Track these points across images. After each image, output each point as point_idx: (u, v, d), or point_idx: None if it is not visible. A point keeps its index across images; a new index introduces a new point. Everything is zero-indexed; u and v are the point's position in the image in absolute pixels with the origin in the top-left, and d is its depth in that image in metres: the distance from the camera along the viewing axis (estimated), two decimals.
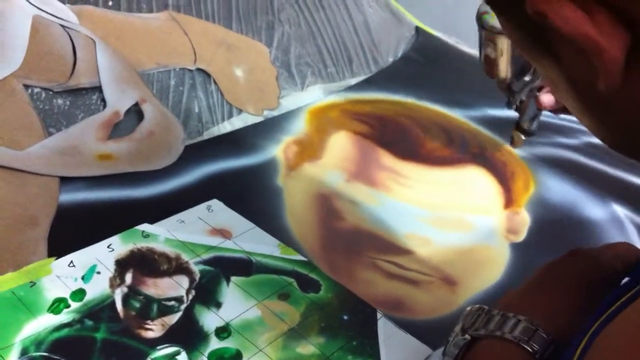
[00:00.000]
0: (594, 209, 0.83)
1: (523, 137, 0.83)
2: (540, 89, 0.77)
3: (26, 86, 0.80)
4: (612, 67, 0.35)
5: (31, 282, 0.60)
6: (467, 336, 0.50)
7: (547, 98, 0.76)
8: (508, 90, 0.78)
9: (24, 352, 0.54)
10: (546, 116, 0.98)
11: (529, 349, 0.47)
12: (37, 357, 0.54)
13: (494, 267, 0.72)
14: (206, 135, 0.87)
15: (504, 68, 0.74)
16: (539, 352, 0.47)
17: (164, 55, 0.93)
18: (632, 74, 0.36)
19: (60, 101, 0.81)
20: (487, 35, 0.73)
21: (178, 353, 0.56)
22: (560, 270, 0.54)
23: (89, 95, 0.84)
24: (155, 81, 0.90)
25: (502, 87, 0.78)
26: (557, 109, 0.78)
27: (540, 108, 0.77)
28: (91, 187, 0.73)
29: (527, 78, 0.76)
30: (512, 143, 0.85)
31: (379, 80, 1.07)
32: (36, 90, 0.80)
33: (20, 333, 0.55)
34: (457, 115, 0.99)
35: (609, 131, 0.44)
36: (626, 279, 0.55)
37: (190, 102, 0.90)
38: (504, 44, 0.73)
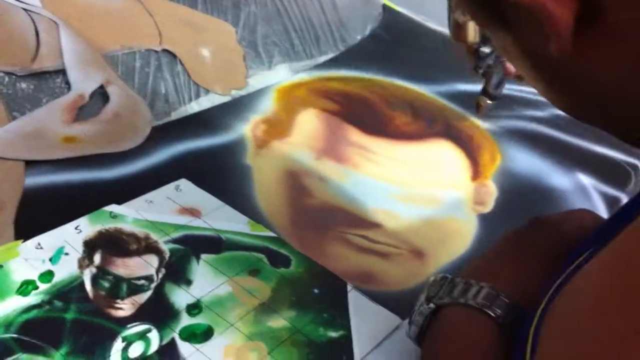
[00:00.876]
0: (560, 178, 0.85)
1: (489, 102, 0.83)
2: None
3: None
4: (562, 31, 0.36)
5: None
6: (431, 305, 0.51)
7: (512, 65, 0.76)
8: (475, 55, 0.78)
9: None
10: (510, 89, 1.00)
11: (491, 314, 0.49)
12: (6, 338, 0.53)
13: (462, 238, 0.73)
14: (174, 116, 0.87)
15: (472, 32, 0.74)
16: (502, 316, 0.48)
17: (129, 37, 0.92)
18: (582, 40, 0.37)
19: (24, 85, 0.81)
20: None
21: (149, 331, 0.56)
22: (522, 238, 0.55)
23: (53, 79, 0.83)
24: (121, 63, 0.89)
25: (469, 52, 0.79)
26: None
27: (506, 73, 0.78)
28: (57, 170, 0.72)
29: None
30: (478, 108, 0.85)
31: (347, 58, 1.07)
32: None
33: None
34: (424, 90, 0.99)
35: (564, 98, 0.45)
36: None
37: (156, 84, 0.90)
38: None
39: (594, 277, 0.36)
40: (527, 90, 1.00)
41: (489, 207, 0.78)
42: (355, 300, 0.62)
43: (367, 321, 0.60)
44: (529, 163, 0.87)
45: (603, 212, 0.80)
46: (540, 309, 0.43)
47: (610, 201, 0.82)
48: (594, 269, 0.36)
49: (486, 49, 0.75)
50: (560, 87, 0.43)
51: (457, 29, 0.75)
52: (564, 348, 0.35)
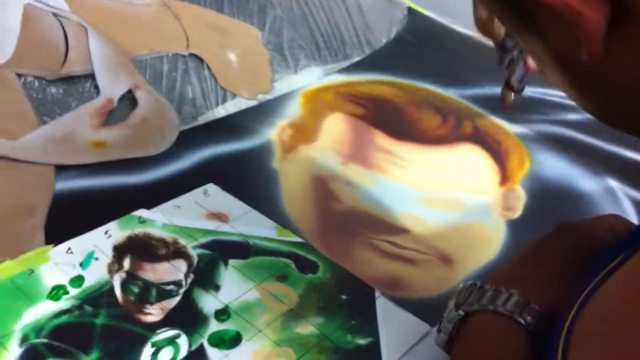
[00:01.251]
0: (589, 183, 0.84)
1: (512, 95, 0.82)
2: None
3: (19, 75, 0.80)
4: (593, 35, 0.36)
5: (30, 269, 0.60)
6: (460, 312, 0.51)
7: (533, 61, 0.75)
8: (500, 48, 0.78)
9: (24, 339, 0.54)
10: (538, 92, 0.99)
11: (521, 321, 0.48)
12: (37, 344, 0.54)
13: (491, 244, 0.73)
14: (200, 121, 0.87)
15: (496, 26, 0.74)
16: (531, 324, 0.48)
17: (156, 42, 0.93)
18: (613, 43, 0.37)
19: (53, 90, 0.81)
20: None
21: (178, 336, 0.56)
22: (551, 243, 0.55)
23: (81, 83, 0.84)
24: (148, 67, 0.90)
25: (496, 43, 0.78)
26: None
27: (526, 69, 0.77)
28: (86, 175, 0.73)
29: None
30: (502, 101, 0.84)
31: (372, 61, 1.07)
32: (29, 79, 0.80)
33: (20, 320, 0.55)
34: (451, 94, 0.99)
35: (595, 103, 0.44)
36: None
37: (183, 88, 0.90)
38: None
39: (627, 282, 0.35)
40: (555, 94, 0.99)
41: (517, 212, 0.77)
42: (383, 307, 0.62)
43: (395, 328, 0.60)
44: (558, 168, 0.86)
45: (633, 217, 0.79)
46: (571, 314, 0.43)
47: (639, 205, 0.81)
48: (627, 274, 0.35)
49: (511, 43, 0.75)
50: (589, 90, 0.43)
51: (481, 22, 0.74)
52: (597, 353, 0.35)
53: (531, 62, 0.76)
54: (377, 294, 0.63)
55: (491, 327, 0.50)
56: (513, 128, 0.91)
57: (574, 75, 0.42)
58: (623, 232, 0.58)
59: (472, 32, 1.19)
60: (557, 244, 0.55)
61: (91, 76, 0.84)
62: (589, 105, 0.45)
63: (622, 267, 0.36)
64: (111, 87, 0.84)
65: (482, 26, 0.76)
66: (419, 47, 1.14)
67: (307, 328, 0.59)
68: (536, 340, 0.48)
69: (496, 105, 0.95)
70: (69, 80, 0.83)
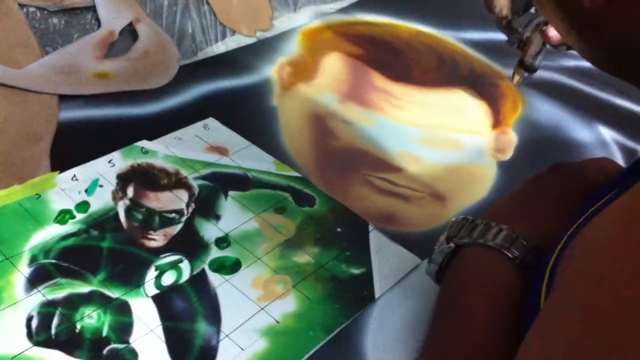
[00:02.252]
0: (581, 130, 0.86)
1: (525, 74, 0.84)
2: (546, 23, 0.77)
3: (21, 5, 0.80)
4: None
5: (37, 194, 0.62)
6: (451, 244, 0.53)
7: (554, 32, 0.76)
8: (508, 28, 0.78)
9: (33, 259, 0.57)
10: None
11: (509, 255, 0.50)
12: (46, 264, 0.56)
13: (482, 183, 0.75)
14: (200, 56, 0.88)
15: (506, 4, 0.74)
16: (519, 257, 0.50)
17: None
18: None
19: (55, 20, 0.82)
20: None
21: (181, 261, 0.59)
22: (544, 182, 0.56)
23: (83, 15, 0.84)
24: (149, 1, 0.90)
25: (502, 25, 0.79)
26: (562, 43, 0.79)
27: (546, 42, 0.78)
28: (90, 105, 0.74)
29: (532, 10, 0.76)
30: (513, 79, 0.85)
31: (371, 2, 1.07)
32: (31, 9, 0.81)
33: (29, 242, 0.58)
34: (448, 37, 1.00)
35: (595, 50, 0.46)
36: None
37: (183, 23, 0.91)
38: None
39: (615, 215, 0.37)
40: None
41: (508, 154, 0.80)
42: (377, 240, 0.64)
43: (387, 260, 0.63)
44: (550, 113, 0.87)
45: (622, 164, 0.81)
46: (558, 249, 0.45)
47: (629, 154, 0.83)
48: (616, 209, 0.37)
49: (522, 21, 0.75)
50: (590, 37, 0.44)
51: (490, 0, 0.75)
52: (581, 290, 0.36)
53: (552, 34, 0.76)
54: (370, 227, 0.65)
55: (480, 259, 0.52)
56: (508, 72, 0.92)
57: (576, 22, 0.44)
58: (613, 174, 0.60)
59: None
60: (549, 182, 0.57)
61: (92, 8, 0.85)
62: (589, 52, 0.46)
63: (612, 204, 0.38)
64: (112, 20, 0.84)
65: (489, 4, 0.76)
66: None
67: (303, 257, 0.61)
68: (524, 274, 0.50)
69: (492, 50, 0.96)
70: (70, 11, 0.83)
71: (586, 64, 0.48)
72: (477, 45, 0.98)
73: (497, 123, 0.84)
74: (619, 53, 0.43)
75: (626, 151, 0.84)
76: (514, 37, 0.80)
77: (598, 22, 0.42)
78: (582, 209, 0.46)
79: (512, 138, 0.82)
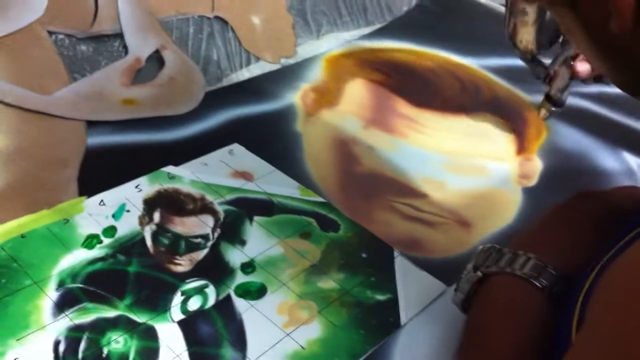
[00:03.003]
0: (605, 157, 0.85)
1: (553, 109, 0.83)
2: (574, 57, 0.77)
3: (50, 33, 0.82)
4: (625, 9, 0.38)
5: (65, 219, 0.63)
6: (479, 273, 0.53)
7: (582, 67, 0.76)
8: (534, 62, 0.78)
9: (60, 283, 0.57)
10: None
11: (538, 284, 0.50)
12: (73, 288, 0.57)
13: (507, 209, 0.75)
14: (225, 82, 0.89)
15: (532, 38, 0.74)
16: (548, 287, 0.50)
17: (183, 3, 0.94)
18: None
19: (83, 47, 0.83)
20: (514, 2, 0.72)
21: (206, 286, 0.59)
22: (570, 210, 0.56)
23: (111, 42, 0.86)
24: (175, 28, 0.92)
25: (528, 59, 0.78)
26: (590, 78, 0.78)
27: (574, 77, 0.77)
28: (117, 131, 0.75)
29: (559, 44, 0.76)
30: (540, 113, 0.84)
31: (394, 29, 1.08)
32: (60, 37, 0.82)
33: (57, 266, 0.58)
34: (471, 64, 1.00)
35: (621, 74, 0.46)
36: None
37: (209, 50, 0.92)
38: (533, 12, 0.72)
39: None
40: None
41: (533, 181, 0.79)
42: (402, 266, 0.64)
43: (413, 286, 0.62)
44: (575, 140, 0.87)
45: None
46: (590, 280, 0.44)
47: None
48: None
49: (545, 57, 0.75)
50: (617, 61, 0.44)
51: (515, 33, 0.74)
52: (616, 320, 0.36)
53: (580, 68, 0.76)
54: (395, 253, 0.65)
55: (508, 288, 0.51)
56: (531, 98, 0.92)
57: (603, 46, 0.44)
58: None
59: (493, 2, 1.19)
60: (576, 210, 0.56)
61: (120, 35, 0.86)
62: (615, 76, 0.47)
63: (637, 242, 0.38)
64: (139, 47, 0.86)
65: (515, 36, 0.76)
66: (440, 16, 1.15)
67: (328, 283, 0.61)
68: (552, 304, 0.49)
69: (515, 76, 0.96)
70: (98, 38, 0.85)
71: (611, 90, 0.49)
72: (499, 71, 0.99)
73: (521, 149, 0.84)
74: None
75: None
76: (539, 71, 0.80)
77: (626, 46, 0.42)
78: (615, 240, 0.45)
79: (536, 164, 0.82)
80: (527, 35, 0.74)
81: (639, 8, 0.38)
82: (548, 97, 0.82)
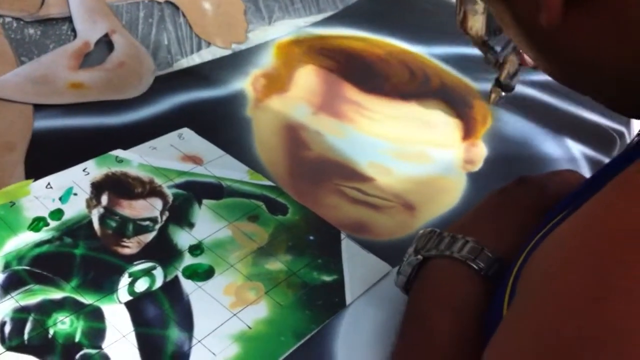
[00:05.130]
0: (549, 143, 0.88)
1: (503, 94, 0.85)
2: None
3: None
4: (552, 4, 0.40)
5: (11, 202, 0.62)
6: (419, 256, 0.55)
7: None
8: (485, 48, 0.80)
9: (6, 266, 0.57)
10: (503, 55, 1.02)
11: (475, 266, 0.52)
12: (19, 270, 0.57)
13: (452, 194, 0.76)
14: (175, 67, 0.89)
15: (481, 25, 0.75)
16: (484, 269, 0.52)
17: None
18: (570, 13, 0.40)
19: (31, 31, 0.82)
20: None
21: (154, 268, 0.59)
22: (507, 195, 0.58)
23: (59, 26, 0.85)
24: (125, 13, 0.91)
25: (479, 45, 0.80)
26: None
27: (522, 64, 0.79)
28: (64, 115, 0.75)
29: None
30: (490, 100, 0.86)
31: (345, 16, 1.09)
32: (7, 19, 0.81)
33: (3, 249, 0.58)
34: (420, 51, 1.02)
35: (552, 65, 0.48)
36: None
37: (159, 34, 0.92)
38: (482, 1, 0.74)
39: (569, 232, 0.38)
40: None
41: (478, 166, 0.81)
42: (348, 248, 0.66)
43: (358, 267, 0.64)
44: (520, 126, 0.90)
45: (588, 175, 0.83)
46: (520, 260, 0.46)
47: (596, 166, 0.85)
48: (570, 226, 0.38)
49: (498, 42, 0.76)
50: (548, 54, 0.46)
51: (465, 20, 0.76)
52: (537, 300, 0.37)
53: (528, 58, 0.78)
54: (342, 235, 0.67)
55: (447, 271, 0.53)
56: (478, 85, 0.94)
57: (534, 39, 0.46)
58: (576, 186, 0.61)
59: None
60: (514, 195, 0.58)
61: (68, 19, 0.86)
62: (548, 67, 0.48)
63: (568, 218, 0.40)
64: (88, 31, 0.85)
65: (464, 24, 0.78)
66: (390, 5, 1.16)
67: (276, 265, 0.62)
68: (489, 285, 0.51)
69: (463, 64, 0.98)
70: (46, 22, 0.84)
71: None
72: (448, 59, 1.00)
73: (467, 135, 0.86)
74: (577, 70, 0.45)
75: (594, 164, 0.86)
76: (490, 57, 0.81)
77: (555, 40, 0.43)
78: (543, 223, 0.48)
79: (481, 150, 0.84)
80: (477, 23, 0.76)
81: (565, 3, 0.40)
82: (498, 83, 0.84)
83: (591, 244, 0.35)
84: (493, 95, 0.85)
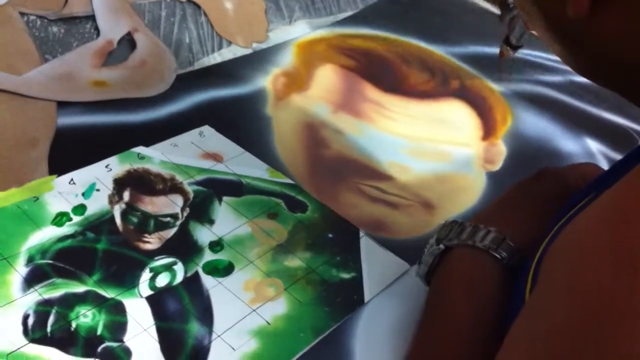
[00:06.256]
0: (568, 142, 0.88)
1: (511, 51, 0.85)
2: None
3: (22, 14, 0.82)
4: None
5: (34, 197, 0.63)
6: (441, 246, 0.55)
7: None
8: (502, 5, 0.80)
9: (30, 259, 0.58)
10: (524, 54, 1.02)
11: (497, 255, 0.52)
12: (42, 264, 0.58)
13: (471, 193, 0.77)
14: (197, 66, 0.90)
15: None
16: (506, 258, 0.52)
17: None
18: (598, 5, 0.40)
19: (55, 29, 0.84)
20: None
21: (175, 263, 0.60)
22: (529, 187, 0.59)
23: (82, 24, 0.86)
24: (147, 12, 0.92)
25: (497, 1, 0.80)
26: None
27: (527, 28, 0.79)
28: (87, 112, 0.76)
29: None
30: (500, 55, 0.86)
31: (365, 16, 1.09)
32: (32, 18, 0.83)
33: (26, 243, 0.59)
34: (440, 51, 1.02)
35: (578, 59, 0.48)
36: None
37: (181, 33, 0.93)
38: None
39: (591, 219, 0.38)
40: (538, 55, 1.02)
41: (497, 165, 0.81)
42: (367, 246, 0.66)
43: (377, 265, 0.64)
44: (539, 126, 0.89)
45: None
46: (542, 248, 0.47)
47: None
48: (592, 213, 0.38)
49: (512, 2, 0.77)
50: (575, 48, 0.46)
51: None
52: (564, 283, 0.37)
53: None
54: (361, 233, 0.67)
55: (469, 260, 0.54)
56: (497, 86, 0.94)
57: (560, 32, 0.46)
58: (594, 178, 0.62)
59: None
60: (535, 187, 0.59)
61: (92, 18, 0.87)
62: (572, 61, 0.48)
63: (589, 206, 0.40)
64: (111, 29, 0.86)
65: None
66: (411, 6, 1.16)
67: (295, 262, 0.63)
68: (510, 274, 0.52)
69: (482, 64, 0.98)
70: (70, 20, 0.85)
71: (574, 78, 0.50)
72: (467, 59, 1.00)
73: (486, 135, 0.86)
74: (602, 63, 0.45)
75: (611, 162, 0.86)
76: (506, 14, 0.82)
77: (581, 32, 0.43)
78: (562, 213, 0.48)
79: (501, 149, 0.84)
80: None
81: None
82: (507, 40, 0.83)
83: (613, 231, 0.35)
84: (504, 52, 0.85)
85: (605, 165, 0.85)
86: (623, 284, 0.32)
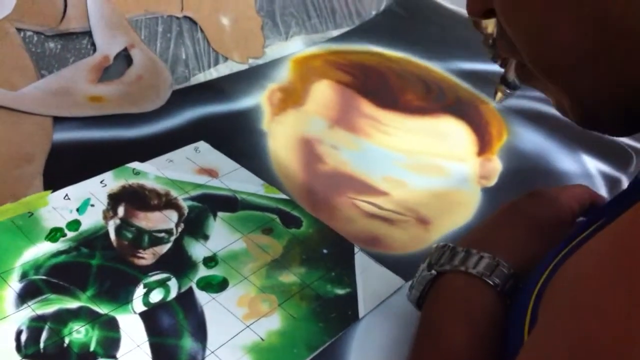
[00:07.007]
0: (564, 159, 0.88)
1: (508, 91, 0.85)
2: None
3: (19, 30, 0.82)
4: None
5: (29, 212, 0.63)
6: (433, 271, 0.54)
7: None
8: (494, 45, 0.80)
9: (23, 275, 0.58)
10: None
11: (490, 282, 0.51)
12: (36, 280, 0.57)
13: (466, 208, 0.77)
14: (193, 81, 0.90)
15: (492, 22, 0.76)
16: (500, 285, 0.51)
17: (152, 3, 0.95)
18: None
19: (51, 45, 0.84)
20: None
21: (169, 279, 0.60)
22: (522, 208, 0.58)
23: (79, 40, 0.86)
24: (144, 27, 0.92)
25: (488, 43, 0.80)
26: None
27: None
28: (83, 127, 0.76)
29: None
30: (495, 96, 0.86)
31: (361, 32, 1.10)
32: (28, 33, 0.83)
33: (20, 258, 0.59)
34: (435, 67, 1.02)
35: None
36: (581, 219, 0.59)
37: (177, 49, 0.93)
38: None
39: (599, 253, 0.36)
40: None
41: (493, 181, 0.81)
42: (362, 262, 0.66)
43: (372, 281, 0.64)
44: (535, 142, 0.90)
45: (604, 193, 0.83)
46: (542, 280, 0.45)
47: (611, 182, 0.85)
48: (600, 244, 0.36)
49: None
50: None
51: (474, 21, 0.77)
52: (569, 322, 0.35)
53: None
54: (356, 249, 0.67)
55: (461, 287, 0.53)
56: (493, 101, 0.95)
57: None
58: (587, 201, 0.61)
59: (460, 8, 1.22)
60: (526, 209, 0.58)
61: (88, 33, 0.87)
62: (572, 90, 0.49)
63: (595, 236, 0.37)
64: (108, 45, 0.86)
65: (476, 22, 0.78)
66: (407, 21, 1.17)
67: (289, 277, 0.63)
68: (504, 301, 0.51)
69: (478, 79, 0.99)
70: (66, 36, 0.85)
71: None
72: (463, 74, 1.01)
73: (482, 150, 0.86)
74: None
75: (609, 181, 0.86)
76: (497, 54, 0.82)
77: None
78: (569, 237, 0.47)
79: (496, 165, 0.84)
80: (491, 23, 0.76)
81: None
82: (503, 80, 0.84)
83: (624, 258, 0.33)
84: (499, 94, 0.85)
85: (600, 182, 0.85)
86: None
